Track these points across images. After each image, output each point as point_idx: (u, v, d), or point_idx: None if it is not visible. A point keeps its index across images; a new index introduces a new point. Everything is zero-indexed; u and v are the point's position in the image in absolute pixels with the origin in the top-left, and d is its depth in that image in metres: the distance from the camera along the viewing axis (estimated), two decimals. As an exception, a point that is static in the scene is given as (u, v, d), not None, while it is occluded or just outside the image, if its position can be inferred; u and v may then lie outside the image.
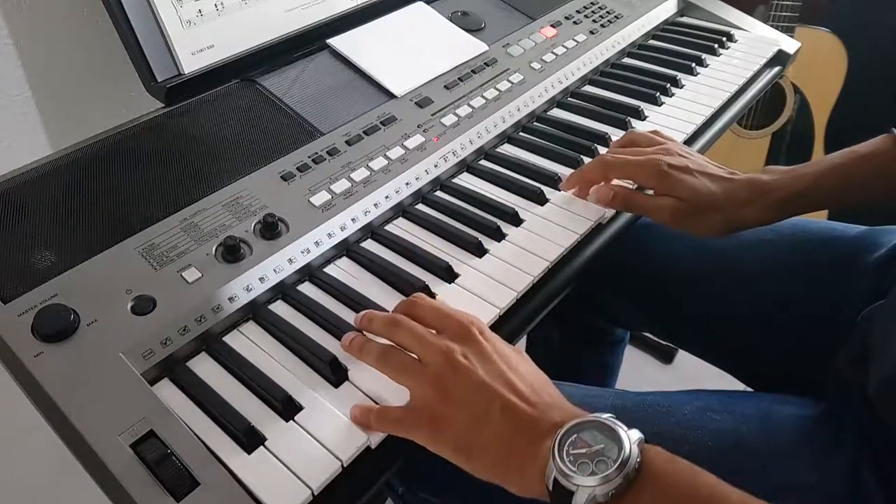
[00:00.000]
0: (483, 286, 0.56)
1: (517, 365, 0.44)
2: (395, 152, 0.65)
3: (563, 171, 0.69)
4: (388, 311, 0.50)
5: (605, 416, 0.39)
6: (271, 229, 0.55)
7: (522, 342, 0.69)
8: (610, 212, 0.65)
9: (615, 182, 0.64)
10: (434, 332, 0.46)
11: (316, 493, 0.41)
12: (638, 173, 0.63)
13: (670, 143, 0.66)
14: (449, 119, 0.70)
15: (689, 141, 0.77)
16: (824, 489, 0.48)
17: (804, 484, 0.48)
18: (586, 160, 0.70)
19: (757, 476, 0.50)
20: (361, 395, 0.47)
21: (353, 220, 0.59)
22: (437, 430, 0.42)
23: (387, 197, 0.62)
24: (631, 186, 0.65)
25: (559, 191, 0.67)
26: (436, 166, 0.66)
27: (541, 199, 0.65)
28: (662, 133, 0.69)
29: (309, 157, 0.62)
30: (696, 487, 0.36)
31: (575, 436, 0.38)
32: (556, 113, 0.80)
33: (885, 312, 0.56)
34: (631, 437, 0.38)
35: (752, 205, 0.60)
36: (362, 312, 0.50)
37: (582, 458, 0.37)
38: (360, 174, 0.62)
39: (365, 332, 0.49)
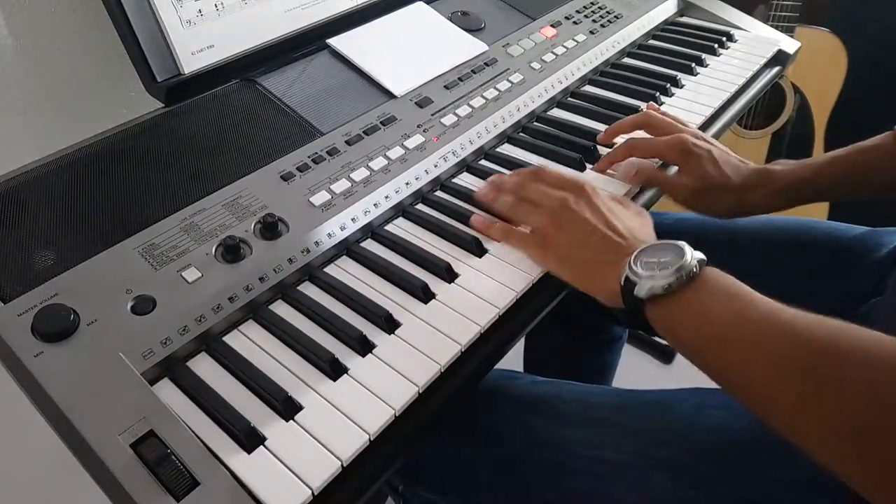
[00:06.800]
0: (483, 286, 0.56)
1: (620, 214, 0.56)
2: (395, 152, 0.65)
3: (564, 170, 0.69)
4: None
5: (681, 242, 0.48)
6: (271, 229, 0.55)
7: (521, 340, 0.69)
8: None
9: (636, 159, 0.68)
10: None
11: (316, 493, 0.41)
12: (665, 149, 0.68)
13: (691, 128, 0.70)
14: (449, 119, 0.70)
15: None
16: (822, 484, 0.48)
17: (802, 479, 0.48)
18: (587, 160, 0.70)
19: (755, 472, 0.50)
20: (361, 393, 0.47)
21: (353, 219, 0.59)
22: (547, 247, 0.55)
23: (387, 197, 0.62)
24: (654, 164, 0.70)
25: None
26: (436, 166, 0.66)
27: (541, 199, 0.65)
28: (679, 118, 0.72)
29: (309, 157, 0.62)
30: (741, 291, 0.45)
31: (650, 251, 0.49)
32: (556, 113, 0.80)
33: (883, 308, 0.56)
34: (694, 255, 0.47)
35: (760, 189, 0.66)
36: (493, 177, 0.63)
37: (650, 265, 0.47)
38: (360, 174, 0.62)
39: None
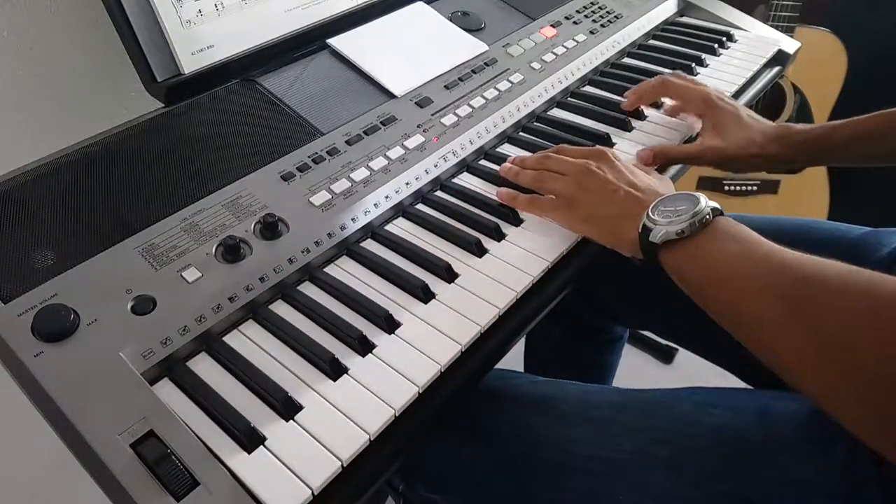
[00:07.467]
0: (483, 286, 0.56)
1: (640, 175, 0.60)
2: (395, 152, 0.65)
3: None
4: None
5: (698, 193, 0.51)
6: (271, 229, 0.55)
7: (521, 340, 0.70)
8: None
9: (650, 145, 0.72)
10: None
11: (316, 493, 0.41)
12: (692, 97, 0.73)
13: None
14: (449, 119, 0.70)
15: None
16: (822, 482, 0.48)
17: (803, 477, 0.48)
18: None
19: (755, 470, 0.50)
20: (361, 393, 0.47)
21: (353, 220, 0.59)
22: (572, 209, 0.59)
23: (387, 197, 0.62)
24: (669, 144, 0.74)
25: None
26: (436, 166, 0.66)
27: (541, 199, 0.65)
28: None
29: (309, 157, 0.62)
30: (748, 237, 0.47)
31: (668, 201, 0.52)
32: (556, 113, 0.80)
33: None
34: (708, 203, 0.50)
35: (779, 141, 0.70)
36: (512, 157, 0.67)
37: (667, 213, 0.51)
38: (360, 174, 0.62)
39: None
